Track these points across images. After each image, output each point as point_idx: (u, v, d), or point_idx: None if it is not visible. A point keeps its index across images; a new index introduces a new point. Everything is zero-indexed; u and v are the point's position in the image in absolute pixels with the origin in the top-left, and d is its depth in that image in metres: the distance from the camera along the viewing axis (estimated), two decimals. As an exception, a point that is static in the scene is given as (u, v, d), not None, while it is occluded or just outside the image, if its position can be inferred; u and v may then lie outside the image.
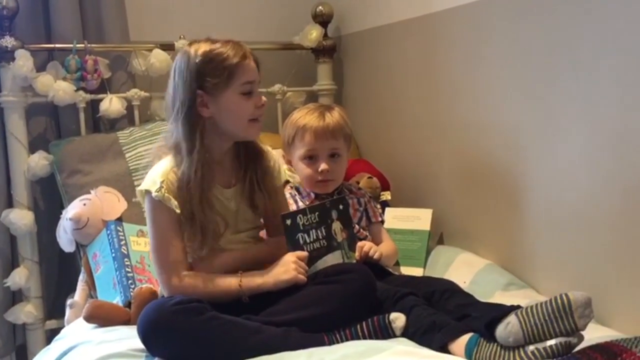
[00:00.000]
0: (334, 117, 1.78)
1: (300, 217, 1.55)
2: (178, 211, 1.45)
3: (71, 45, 2.11)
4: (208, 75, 1.47)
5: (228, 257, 1.52)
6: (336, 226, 1.60)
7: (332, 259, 1.56)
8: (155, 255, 1.48)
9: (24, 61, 2.03)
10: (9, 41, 2.05)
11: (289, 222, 1.55)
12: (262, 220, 1.64)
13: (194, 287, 1.43)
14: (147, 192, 1.46)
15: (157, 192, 1.44)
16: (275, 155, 1.69)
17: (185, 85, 1.48)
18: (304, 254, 1.52)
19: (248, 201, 1.57)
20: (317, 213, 1.57)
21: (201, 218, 1.46)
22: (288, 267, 1.47)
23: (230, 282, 1.46)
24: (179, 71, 1.49)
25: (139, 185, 1.54)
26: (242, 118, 1.51)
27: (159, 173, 1.48)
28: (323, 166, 1.76)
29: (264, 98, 1.54)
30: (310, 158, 1.77)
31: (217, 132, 1.51)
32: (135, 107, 2.24)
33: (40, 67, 2.13)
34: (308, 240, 1.55)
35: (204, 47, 1.49)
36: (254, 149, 1.59)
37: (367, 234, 1.83)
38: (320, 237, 1.56)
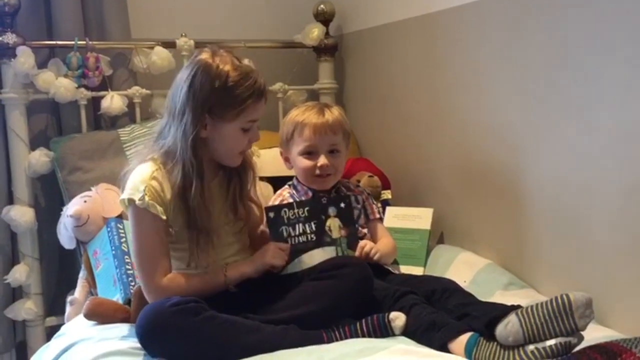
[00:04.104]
0: (333, 113, 1.78)
1: (285, 211, 1.57)
2: (164, 217, 1.44)
3: (72, 43, 2.11)
4: (221, 104, 1.45)
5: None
6: (332, 223, 1.60)
7: (322, 253, 1.57)
8: (139, 260, 1.46)
9: (25, 58, 2.03)
10: (10, 38, 2.05)
11: (272, 214, 1.57)
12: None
13: (179, 286, 1.44)
14: (131, 200, 1.44)
15: (140, 200, 1.42)
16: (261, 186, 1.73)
17: (196, 103, 1.44)
18: (286, 245, 1.54)
19: (232, 206, 1.57)
20: (307, 208, 1.58)
21: (203, 222, 1.46)
22: (264, 253, 1.51)
23: (214, 276, 1.48)
24: (195, 86, 1.44)
25: None
26: (233, 150, 1.52)
27: (139, 180, 1.45)
28: (322, 161, 1.75)
29: (259, 134, 1.54)
30: (310, 153, 1.77)
31: (206, 147, 1.49)
32: (137, 105, 2.24)
33: (42, 64, 2.13)
34: (293, 234, 1.57)
35: (227, 69, 1.44)
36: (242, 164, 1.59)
37: (366, 231, 1.83)
38: (309, 231, 1.57)
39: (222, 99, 1.45)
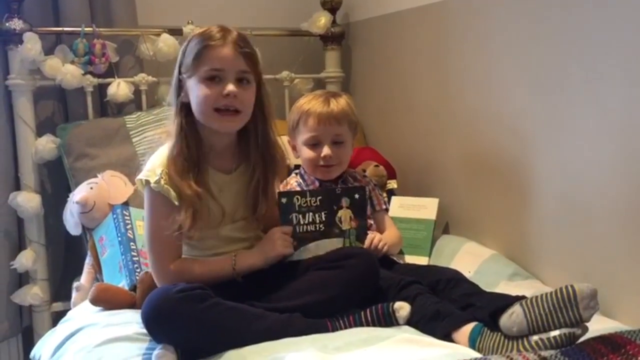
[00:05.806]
0: (339, 103, 1.77)
1: (297, 198, 1.56)
2: (177, 203, 1.44)
3: (79, 29, 2.11)
4: (184, 59, 1.48)
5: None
6: (344, 214, 1.59)
7: (329, 244, 1.56)
8: (150, 241, 1.47)
9: (32, 44, 2.03)
10: (17, 24, 2.05)
11: (284, 200, 1.55)
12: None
13: (188, 271, 1.44)
14: (147, 182, 1.45)
15: (156, 183, 1.43)
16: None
17: (176, 71, 1.50)
18: (289, 228, 1.53)
19: (251, 202, 1.54)
20: (319, 197, 1.57)
21: (192, 201, 1.43)
22: (274, 243, 1.49)
23: (223, 265, 1.48)
24: (178, 58, 1.52)
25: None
26: (205, 106, 1.45)
27: (158, 163, 1.46)
28: (325, 151, 1.75)
29: (230, 87, 1.43)
30: (314, 143, 1.77)
31: (191, 114, 1.49)
32: (143, 92, 2.24)
33: (48, 51, 2.13)
34: (302, 222, 1.56)
35: (195, 32, 1.52)
36: (267, 147, 1.55)
37: (372, 222, 1.83)
38: (318, 221, 1.56)
39: (185, 58, 1.48)
